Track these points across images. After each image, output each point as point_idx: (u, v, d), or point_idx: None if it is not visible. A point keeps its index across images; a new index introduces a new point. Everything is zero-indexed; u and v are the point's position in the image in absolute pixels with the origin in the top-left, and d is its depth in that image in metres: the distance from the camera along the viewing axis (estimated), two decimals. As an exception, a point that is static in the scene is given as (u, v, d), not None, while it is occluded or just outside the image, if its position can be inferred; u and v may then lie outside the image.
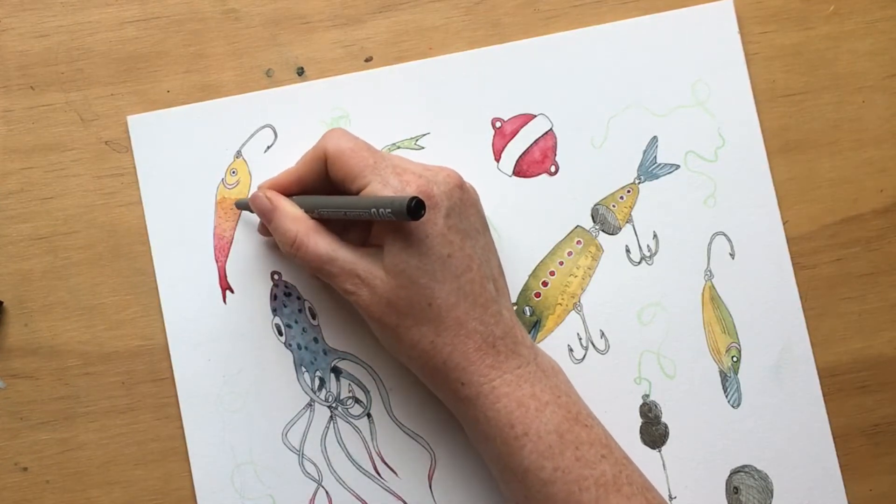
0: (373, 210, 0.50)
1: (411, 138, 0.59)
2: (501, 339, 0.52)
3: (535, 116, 0.60)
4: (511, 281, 0.58)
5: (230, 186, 0.59)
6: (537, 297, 0.59)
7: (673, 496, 0.58)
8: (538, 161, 0.59)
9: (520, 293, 0.59)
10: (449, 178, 0.52)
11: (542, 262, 0.59)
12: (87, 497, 0.57)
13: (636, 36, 0.60)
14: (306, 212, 0.54)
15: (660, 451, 0.58)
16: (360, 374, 0.58)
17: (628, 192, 0.59)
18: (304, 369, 0.58)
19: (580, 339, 0.59)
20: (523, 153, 0.59)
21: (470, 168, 0.57)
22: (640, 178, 0.59)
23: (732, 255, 0.59)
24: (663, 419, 0.58)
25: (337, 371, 0.58)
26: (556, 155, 0.60)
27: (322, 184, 0.55)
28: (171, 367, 0.58)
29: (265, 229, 0.57)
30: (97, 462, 0.57)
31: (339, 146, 0.53)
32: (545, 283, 0.59)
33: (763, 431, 0.58)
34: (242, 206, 0.58)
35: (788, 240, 0.59)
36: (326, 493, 0.58)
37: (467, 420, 0.53)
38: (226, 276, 0.58)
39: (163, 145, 0.59)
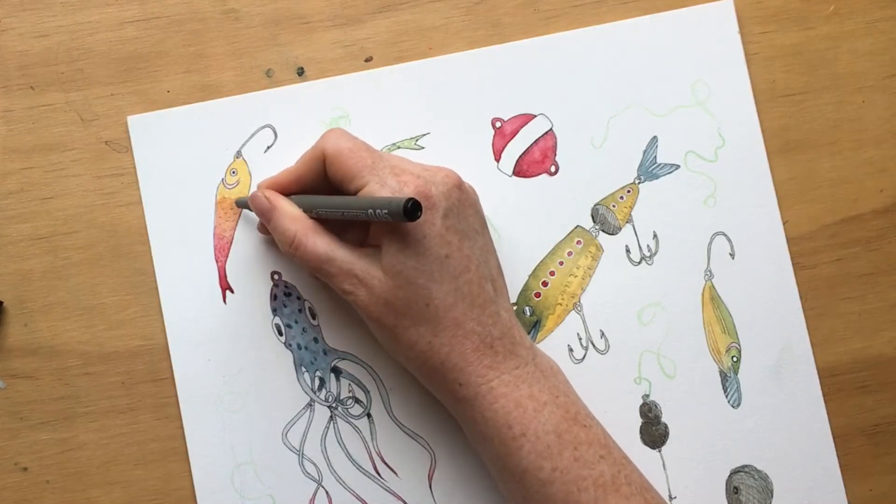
0: (370, 211, 0.50)
1: (411, 138, 0.59)
2: (499, 340, 0.52)
3: (535, 116, 0.60)
4: (511, 281, 0.58)
5: (230, 186, 0.59)
6: (537, 297, 0.59)
7: (673, 496, 0.58)
8: (538, 161, 0.59)
9: (520, 293, 0.59)
10: (447, 179, 0.52)
11: (542, 262, 0.59)
12: (87, 497, 0.57)
13: (636, 36, 0.60)
14: (305, 211, 0.54)
15: (660, 451, 0.58)
16: (360, 374, 0.58)
17: (628, 192, 0.59)
18: (304, 369, 0.58)
19: (580, 339, 0.59)
20: (523, 153, 0.59)
21: (470, 168, 0.57)
22: (640, 178, 0.59)
23: (732, 255, 0.59)
24: (663, 419, 0.58)
25: (337, 371, 0.58)
26: (556, 155, 0.60)
27: (321, 184, 0.55)
28: (171, 367, 0.58)
29: (265, 228, 0.57)
30: (97, 462, 0.58)
31: (337, 146, 0.53)
32: (545, 283, 0.59)
33: (763, 431, 0.58)
34: (242, 204, 0.58)
35: (788, 240, 0.59)
36: (326, 493, 0.58)
37: (465, 420, 0.53)
38: (226, 276, 0.58)
39: (163, 145, 0.59)
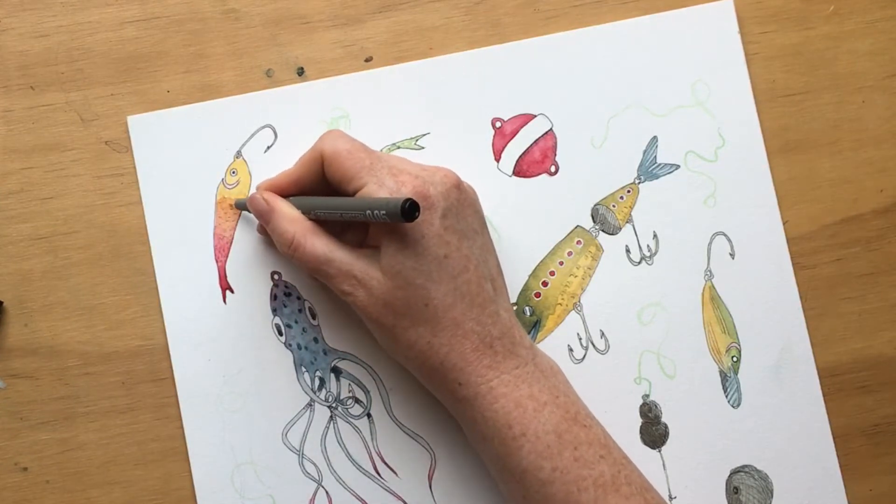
0: (368, 212, 0.50)
1: (411, 138, 0.59)
2: (499, 340, 0.52)
3: (535, 116, 0.60)
4: (511, 281, 0.58)
5: (230, 186, 0.59)
6: (537, 297, 0.59)
7: (673, 496, 0.58)
8: (538, 161, 0.59)
9: (520, 293, 0.59)
10: (446, 179, 0.52)
11: (542, 262, 0.59)
12: (87, 497, 0.57)
13: (636, 36, 0.60)
14: (304, 213, 0.54)
15: (660, 451, 0.58)
16: (360, 374, 0.58)
17: (628, 192, 0.59)
18: (304, 369, 0.58)
19: (580, 339, 0.59)
20: (523, 153, 0.59)
21: (470, 168, 0.57)
22: (640, 178, 0.59)
23: (732, 255, 0.59)
24: (663, 419, 0.58)
25: (337, 371, 0.58)
26: (556, 155, 0.60)
27: (319, 185, 0.55)
28: (171, 367, 0.58)
29: (264, 230, 0.57)
30: (97, 462, 0.57)
31: (335, 147, 0.53)
32: (545, 283, 0.59)
33: (763, 431, 0.58)
34: (241, 206, 0.58)
35: (788, 240, 0.59)
36: (326, 493, 0.58)
37: (465, 420, 0.53)
38: (226, 276, 0.58)
39: (163, 145, 0.59)
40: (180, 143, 0.59)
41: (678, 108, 0.60)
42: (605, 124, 0.60)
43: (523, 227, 0.59)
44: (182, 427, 0.57)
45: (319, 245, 0.53)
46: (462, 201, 0.53)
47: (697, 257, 0.59)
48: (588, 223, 0.59)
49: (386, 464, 0.58)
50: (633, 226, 0.59)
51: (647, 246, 0.59)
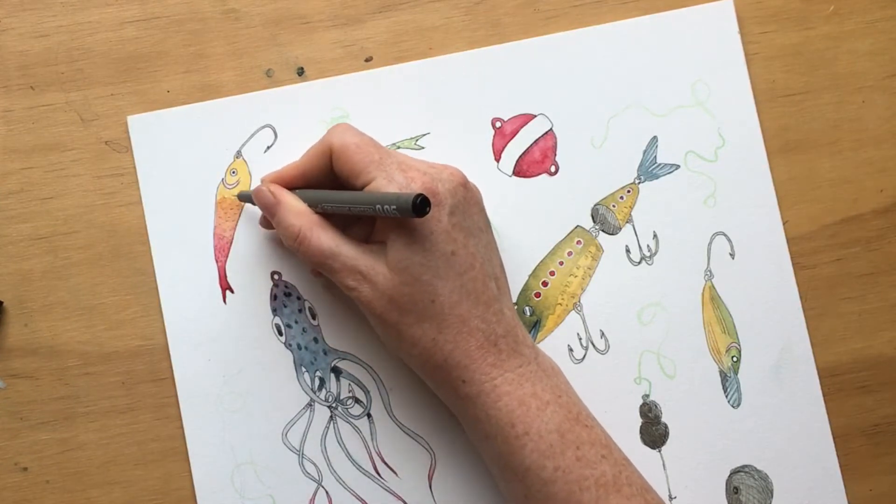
0: (377, 206, 0.49)
1: (411, 138, 0.59)
2: (503, 338, 0.52)
3: (535, 116, 0.60)
4: (511, 281, 0.58)
5: (230, 186, 0.59)
6: (537, 297, 0.59)
7: (673, 496, 0.58)
8: (538, 161, 0.60)
9: (520, 293, 0.59)
10: (453, 177, 0.52)
11: (542, 262, 0.59)
12: (87, 497, 0.57)
13: (636, 36, 0.60)
14: (310, 206, 0.54)
15: (660, 451, 0.58)
16: (360, 374, 0.58)
17: (628, 192, 0.59)
18: (304, 369, 0.58)
19: (580, 339, 0.59)
20: (523, 153, 0.59)
21: (470, 168, 0.57)
22: (640, 178, 0.60)
23: (732, 255, 0.59)
24: (663, 419, 0.58)
25: (337, 371, 0.58)
26: (556, 155, 0.60)
27: (326, 178, 0.55)
28: (171, 367, 0.58)
29: (267, 222, 0.57)
30: (97, 462, 0.57)
31: (344, 141, 0.53)
32: (545, 283, 0.59)
33: (763, 431, 0.58)
34: (245, 198, 0.58)
35: (788, 240, 0.59)
36: (326, 493, 0.58)
37: (468, 419, 0.53)
38: (226, 276, 0.58)
39: (163, 145, 0.59)
40: (180, 143, 0.59)
41: (678, 108, 0.60)
42: (605, 124, 0.60)
43: (523, 227, 0.59)
44: (182, 427, 0.57)
45: (326, 239, 0.53)
46: (468, 199, 0.53)
47: (697, 257, 0.59)
48: (588, 223, 0.59)
49: (386, 464, 0.58)
50: (633, 226, 0.59)
51: (647, 246, 0.59)
